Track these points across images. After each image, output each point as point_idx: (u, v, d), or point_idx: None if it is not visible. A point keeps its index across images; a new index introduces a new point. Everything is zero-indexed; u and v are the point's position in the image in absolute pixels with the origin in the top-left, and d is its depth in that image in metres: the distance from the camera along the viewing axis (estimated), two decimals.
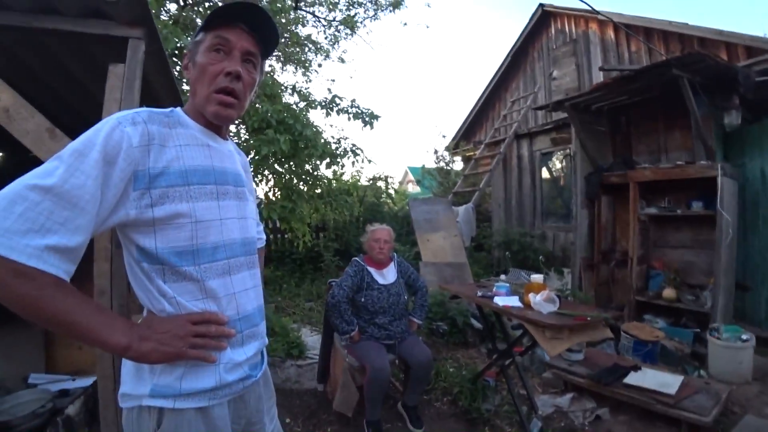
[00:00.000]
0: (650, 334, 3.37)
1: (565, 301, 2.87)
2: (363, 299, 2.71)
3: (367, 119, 4.28)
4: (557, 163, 6.78)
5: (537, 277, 2.78)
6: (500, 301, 2.71)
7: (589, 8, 3.88)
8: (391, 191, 9.41)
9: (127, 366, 0.90)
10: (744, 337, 3.14)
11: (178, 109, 0.98)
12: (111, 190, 0.79)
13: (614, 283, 4.72)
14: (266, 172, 4.24)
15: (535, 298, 2.54)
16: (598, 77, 5.75)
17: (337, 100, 4.30)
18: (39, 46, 1.94)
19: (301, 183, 4.72)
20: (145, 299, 0.90)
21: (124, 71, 1.72)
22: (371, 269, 2.80)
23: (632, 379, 2.83)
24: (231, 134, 4.46)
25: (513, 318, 3.02)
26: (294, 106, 4.30)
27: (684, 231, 4.27)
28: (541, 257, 5.55)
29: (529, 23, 6.97)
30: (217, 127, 1.00)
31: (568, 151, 6.12)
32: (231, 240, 0.95)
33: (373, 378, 2.45)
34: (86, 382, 2.57)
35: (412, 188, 18.82)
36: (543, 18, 6.78)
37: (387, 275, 2.84)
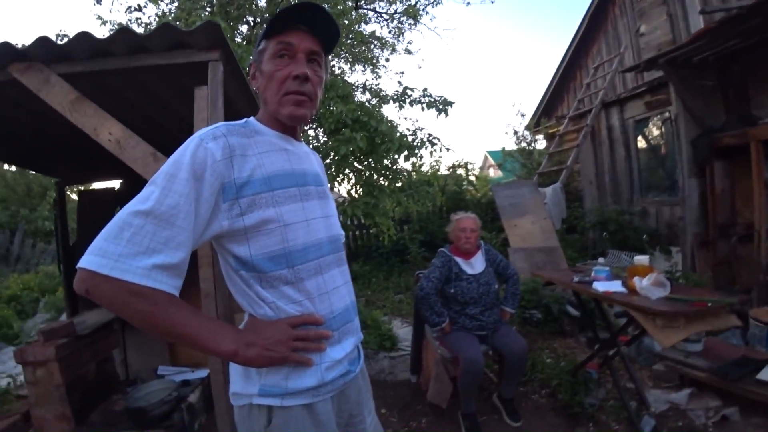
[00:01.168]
0: None
1: (676, 284, 2.59)
2: (452, 290, 2.70)
3: (440, 107, 4.23)
4: (654, 130, 6.07)
5: (641, 259, 2.57)
6: (600, 286, 2.53)
7: None
8: (472, 178, 9.20)
9: (235, 367, 0.96)
10: None
11: (252, 118, 1.01)
12: (203, 205, 0.84)
13: (737, 262, 4.11)
14: (347, 171, 4.39)
15: (642, 283, 2.33)
16: (698, 25, 4.95)
17: (409, 92, 4.30)
18: (137, 82, 2.20)
19: (382, 178, 4.81)
20: (246, 305, 0.95)
21: (208, 92, 1.90)
22: (459, 259, 2.77)
23: (766, 374, 2.46)
24: (310, 137, 4.68)
25: (616, 305, 2.81)
26: (367, 104, 4.39)
27: None
28: (645, 236, 5.03)
29: None
30: (291, 130, 1.02)
31: (667, 114, 5.43)
32: (318, 240, 0.97)
33: (467, 370, 2.44)
34: (203, 373, 2.93)
35: (494, 173, 18.19)
36: None
37: (475, 265, 2.79)
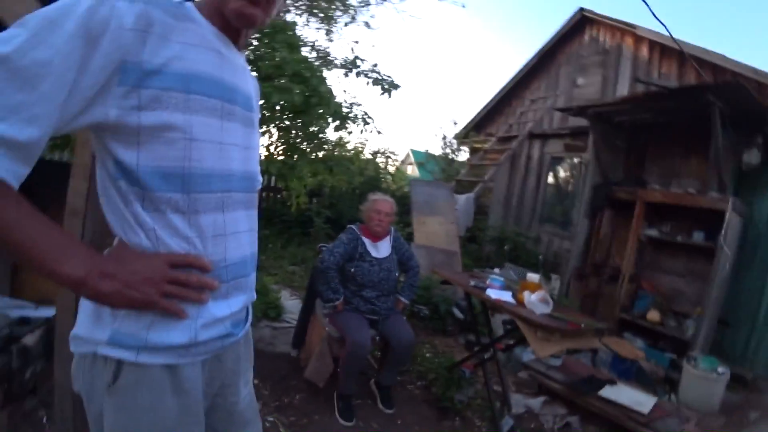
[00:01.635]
0: (631, 353, 3.37)
1: (557, 305, 2.84)
2: (353, 269, 2.62)
3: (386, 86, 4.10)
4: (562, 171, 6.71)
5: (533, 277, 2.75)
6: (493, 294, 2.67)
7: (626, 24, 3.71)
8: (391, 168, 9.29)
9: (84, 303, 0.76)
10: (720, 369, 3.15)
11: (190, 3, 0.81)
12: (87, 78, 0.62)
13: (601, 297, 4.72)
14: (271, 126, 4.06)
15: (530, 297, 2.51)
16: (623, 93, 5.63)
17: (358, 62, 4.10)
18: None
19: (305, 143, 4.55)
20: (117, 227, 0.74)
21: None
22: (366, 240, 2.71)
23: (607, 392, 2.82)
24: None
25: (505, 313, 3.00)
26: (312, 62, 4.10)
27: (679, 258, 4.26)
28: (540, 257, 5.52)
29: (565, 25, 6.76)
30: (234, 33, 0.83)
31: (579, 159, 6.03)
32: (229, 170, 0.80)
33: (353, 352, 2.40)
34: (49, 311, 2.43)
35: (411, 171, 18.66)
36: (580, 23, 6.58)
37: (381, 249, 2.75)
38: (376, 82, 4.12)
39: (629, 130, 4.81)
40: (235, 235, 0.83)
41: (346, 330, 2.49)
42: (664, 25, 3.26)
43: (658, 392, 3.24)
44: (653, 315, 3.95)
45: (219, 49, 0.79)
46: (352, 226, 2.76)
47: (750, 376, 3.70)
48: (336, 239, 2.73)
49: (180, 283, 0.72)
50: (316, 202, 7.38)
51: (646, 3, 2.75)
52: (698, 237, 3.87)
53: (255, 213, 0.93)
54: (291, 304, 4.03)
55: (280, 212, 7.02)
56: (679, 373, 3.34)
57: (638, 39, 5.56)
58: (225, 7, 0.77)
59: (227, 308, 0.82)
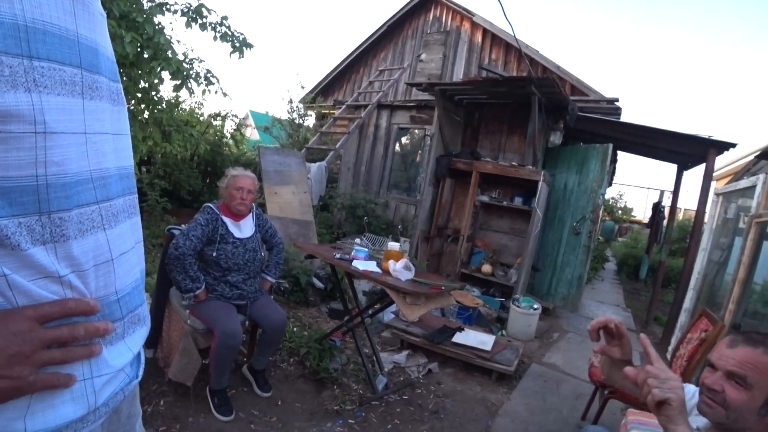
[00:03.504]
0: (472, 301, 3.96)
1: (417, 270, 3.12)
2: (215, 254, 2.34)
3: (237, 45, 3.64)
4: (408, 140, 7.21)
5: (395, 245, 2.91)
6: (360, 265, 2.74)
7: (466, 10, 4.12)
8: (232, 131, 8.47)
9: None
10: (535, 306, 3.98)
11: None
12: None
13: (443, 255, 5.35)
14: None
15: (395, 266, 2.64)
16: (460, 72, 6.30)
17: (204, 12, 3.51)
18: None
19: (133, 101, 3.81)
20: None
21: None
22: (227, 220, 2.42)
23: (458, 338, 3.29)
24: None
25: (373, 283, 3.14)
26: (143, 2, 3.36)
27: (504, 219, 5.14)
28: (399, 227, 5.87)
29: (411, 1, 7.08)
30: None
31: (424, 130, 6.56)
32: (104, 170, 0.58)
33: (223, 343, 2.18)
34: None
35: (251, 134, 17.47)
36: (425, 0, 6.98)
37: (244, 228, 2.50)
38: (224, 37, 3.63)
39: (467, 107, 5.43)
40: (123, 257, 0.62)
41: (213, 320, 2.24)
42: (511, 26, 3.70)
43: (494, 330, 3.92)
44: (486, 268, 4.70)
45: None
46: (210, 205, 2.44)
47: (552, 306, 4.79)
48: (191, 221, 2.38)
49: (63, 342, 0.51)
50: (147, 172, 6.32)
51: (500, 3, 3.05)
52: (518, 201, 4.71)
53: (138, 219, 0.71)
54: None
55: None
56: (507, 313, 4.09)
57: (475, 25, 6.22)
58: None
59: (128, 351, 0.63)
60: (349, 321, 3.07)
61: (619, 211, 18.87)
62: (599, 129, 4.91)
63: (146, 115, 3.99)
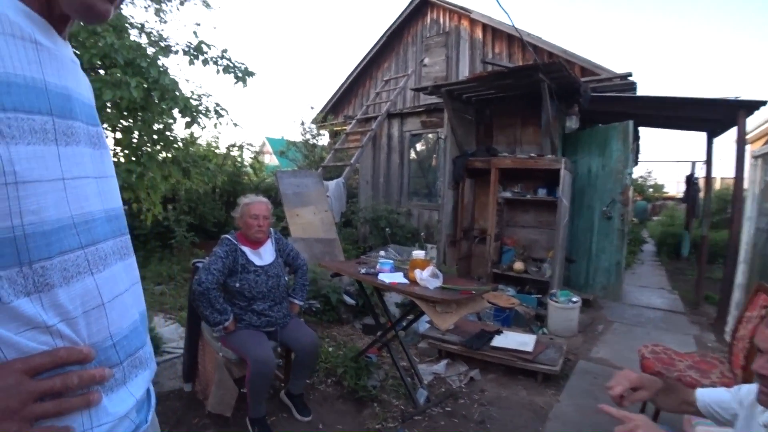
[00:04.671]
0: (507, 302, 3.83)
1: (444, 275, 3.03)
2: (238, 284, 2.32)
3: (240, 75, 3.71)
4: (422, 146, 7.16)
5: (419, 254, 2.83)
6: (386, 278, 2.68)
7: (462, 8, 4.08)
8: (251, 160, 8.67)
9: None
10: (574, 299, 3.81)
11: None
12: None
13: (473, 257, 5.23)
14: (106, 126, 3.36)
15: (422, 274, 2.57)
16: (465, 71, 6.23)
17: (204, 48, 3.61)
18: None
19: (151, 143, 3.91)
20: None
21: None
22: (246, 249, 2.40)
23: (497, 341, 3.17)
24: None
25: (402, 294, 3.07)
26: (146, 48, 3.47)
27: (530, 213, 4.99)
28: (422, 234, 5.81)
29: (407, 8, 7.11)
30: (60, 18, 0.59)
31: (436, 134, 6.50)
32: (87, 214, 0.58)
33: (257, 371, 2.16)
34: None
35: (269, 160, 17.83)
36: (420, 5, 7.00)
37: (264, 255, 2.48)
38: (227, 69, 3.71)
39: (477, 105, 5.34)
40: (116, 300, 0.61)
41: (244, 350, 2.23)
42: (508, 15, 3.64)
43: (534, 330, 3.77)
44: (518, 265, 4.55)
45: (33, 36, 0.53)
46: (227, 236, 2.44)
47: (592, 298, 4.58)
48: (212, 254, 2.39)
49: (56, 393, 0.50)
50: (174, 209, 6.50)
51: None
52: (542, 193, 4.57)
53: (133, 260, 0.70)
54: (168, 330, 3.50)
55: (132, 226, 5.99)
56: (546, 309, 3.93)
57: (473, 22, 6.17)
58: None
59: (130, 397, 0.61)
60: (381, 336, 3.01)
61: (650, 190, 18.16)
62: (616, 107, 4.72)
63: (163, 155, 4.09)
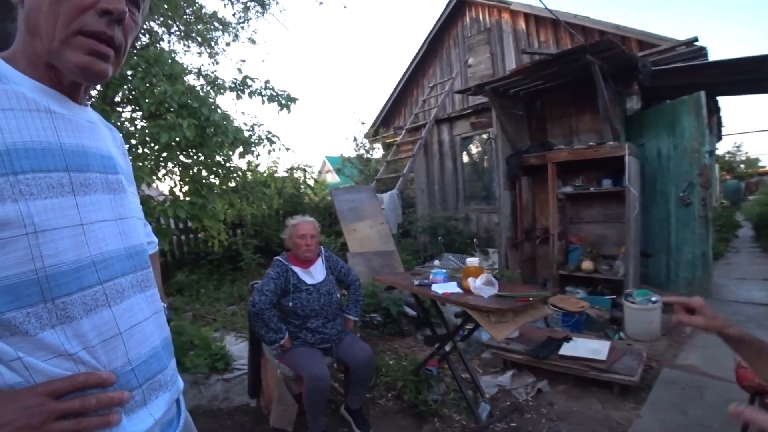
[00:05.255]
0: (576, 305, 3.54)
1: (500, 281, 2.88)
2: (291, 303, 2.40)
3: (283, 102, 3.90)
4: (474, 149, 6.97)
5: (473, 261, 2.72)
6: (439, 288, 2.61)
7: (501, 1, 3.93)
8: (310, 181, 9.04)
9: None
10: (653, 299, 3.43)
11: None
12: None
13: (538, 259, 4.95)
14: (169, 165, 3.68)
15: (475, 283, 2.46)
16: (511, 65, 5.99)
17: (249, 82, 3.85)
18: None
19: (212, 176, 4.22)
20: None
21: None
22: (297, 269, 2.48)
23: (566, 349, 2.93)
24: (124, 120, 3.84)
25: (454, 305, 2.97)
26: (200, 90, 3.78)
27: (596, 207, 4.61)
28: (475, 240, 5.66)
29: (444, 11, 7.04)
30: (71, 87, 0.68)
31: (487, 134, 6.30)
32: (105, 253, 0.66)
33: (312, 388, 2.20)
34: None
35: (331, 178, 18.49)
36: (458, 6, 6.90)
37: (315, 273, 2.53)
38: (271, 98, 3.91)
39: (526, 99, 5.10)
40: (135, 329, 0.69)
41: (299, 366, 2.29)
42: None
43: (608, 334, 3.45)
44: (587, 264, 4.21)
45: (50, 108, 0.63)
46: (279, 258, 2.54)
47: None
48: (265, 275, 2.50)
49: (74, 413, 0.57)
50: (241, 233, 6.94)
51: None
52: (607, 184, 4.20)
53: (155, 292, 0.77)
54: (239, 348, 3.70)
55: (205, 252, 6.51)
56: (621, 311, 3.58)
57: (514, 13, 5.93)
58: (60, 61, 0.62)
59: (149, 417, 0.68)
60: (439, 347, 2.93)
61: (741, 166, 15.95)
62: (684, 79, 4.20)
63: (223, 186, 4.38)
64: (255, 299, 2.34)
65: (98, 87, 3.14)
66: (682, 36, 4.53)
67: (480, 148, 6.86)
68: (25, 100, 0.60)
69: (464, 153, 6.96)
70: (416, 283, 2.79)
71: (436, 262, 3.75)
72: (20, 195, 0.56)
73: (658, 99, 4.41)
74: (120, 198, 0.72)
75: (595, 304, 3.84)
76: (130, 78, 3.33)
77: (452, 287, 2.58)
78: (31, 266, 0.56)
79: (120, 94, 3.79)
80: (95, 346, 0.61)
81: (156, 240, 1.07)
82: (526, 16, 5.79)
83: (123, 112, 4.12)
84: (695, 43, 4.21)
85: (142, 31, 4.78)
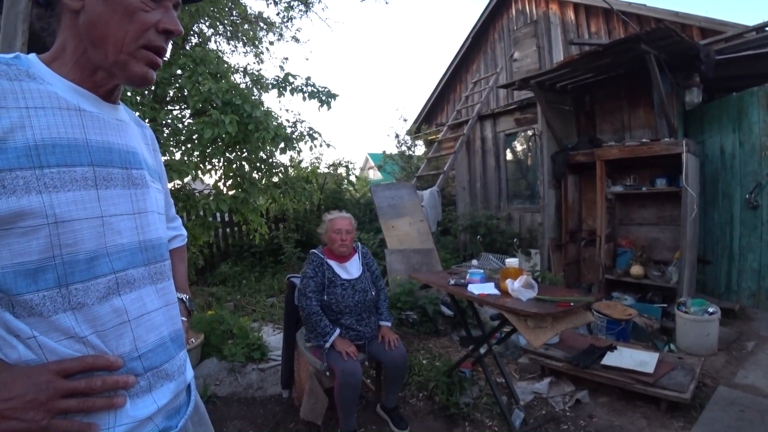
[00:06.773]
0: (623, 313, 3.34)
1: (541, 285, 2.75)
2: (326, 297, 2.42)
3: (323, 98, 3.94)
4: (518, 146, 6.74)
5: (512, 262, 2.63)
6: (475, 289, 2.53)
7: None
8: (353, 178, 9.11)
9: None
10: (711, 309, 3.16)
11: (33, 55, 0.68)
12: None
13: (583, 263, 4.71)
14: (214, 161, 3.84)
15: (513, 285, 2.37)
16: (559, 59, 5.72)
17: (291, 79, 3.92)
18: None
19: (255, 171, 4.35)
20: None
21: None
22: (332, 263, 2.50)
23: (609, 359, 2.77)
24: (172, 118, 4.03)
25: (491, 307, 2.88)
26: (244, 88, 3.90)
27: (649, 208, 4.31)
28: (515, 240, 5.48)
29: (489, 3, 6.83)
30: (110, 89, 0.73)
31: (532, 131, 6.07)
32: (120, 245, 0.69)
33: (344, 382, 2.22)
34: None
35: (373, 175, 18.61)
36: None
37: (351, 269, 2.54)
38: (312, 95, 3.96)
39: (574, 93, 4.85)
40: (143, 318, 0.72)
41: (333, 360, 2.31)
42: None
43: (658, 345, 3.22)
44: (636, 269, 3.95)
45: (79, 106, 0.68)
46: (315, 251, 2.56)
47: (737, 307, 3.75)
48: (301, 273, 2.53)
49: (80, 392, 0.61)
50: (283, 228, 7.13)
51: None
52: (661, 183, 3.91)
53: (169, 284, 0.80)
54: (275, 339, 3.80)
55: (248, 245, 6.75)
56: (673, 321, 3.33)
57: (563, 4, 5.65)
58: (123, 71, 0.69)
59: (153, 403, 0.71)
60: (474, 350, 2.85)
61: None
62: (753, 68, 3.79)
63: (264, 181, 4.52)
64: (303, 304, 2.41)
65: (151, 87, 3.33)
66: (752, 22, 4.11)
67: (524, 145, 6.62)
68: (57, 99, 0.65)
69: (508, 150, 6.74)
70: (452, 282, 2.73)
71: (475, 262, 3.65)
72: (44, 188, 0.60)
73: (724, 92, 4.03)
74: (142, 193, 0.75)
75: (643, 312, 3.60)
76: (178, 77, 3.49)
77: (489, 288, 2.51)
78: (50, 253, 0.60)
79: (171, 93, 3.99)
80: (104, 332, 0.65)
81: (185, 233, 1.11)
82: (576, 6, 5.48)
83: (173, 110, 4.35)
84: (767, 29, 3.80)
85: (192, 33, 5.00)
